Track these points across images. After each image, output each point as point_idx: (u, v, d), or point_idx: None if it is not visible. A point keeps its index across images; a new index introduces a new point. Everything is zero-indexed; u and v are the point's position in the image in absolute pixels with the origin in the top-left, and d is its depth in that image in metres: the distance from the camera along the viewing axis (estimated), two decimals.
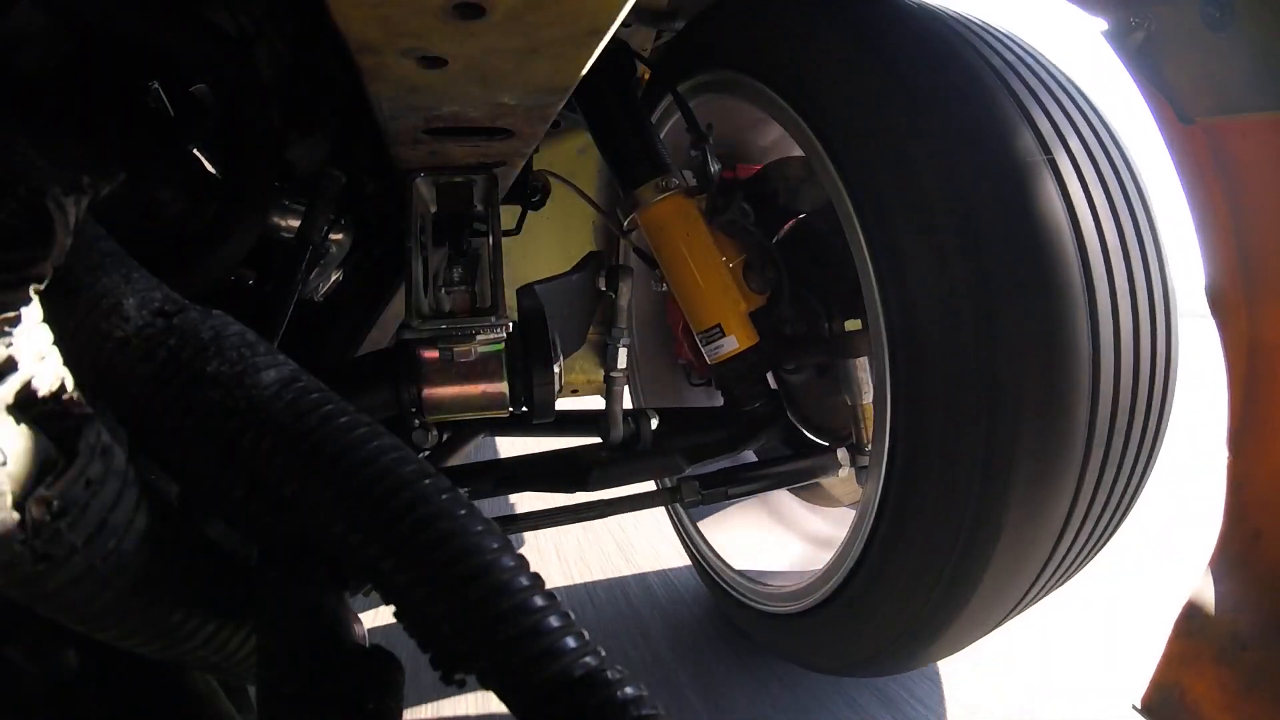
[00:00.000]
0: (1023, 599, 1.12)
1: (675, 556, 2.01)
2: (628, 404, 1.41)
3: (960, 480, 0.99)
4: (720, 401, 1.52)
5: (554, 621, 0.38)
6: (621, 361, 1.32)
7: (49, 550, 0.34)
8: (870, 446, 1.30)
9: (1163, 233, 1.05)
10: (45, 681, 0.48)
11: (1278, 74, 0.77)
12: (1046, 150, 0.98)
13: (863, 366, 1.32)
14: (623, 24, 1.59)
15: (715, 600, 1.75)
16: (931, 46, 1.06)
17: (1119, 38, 0.89)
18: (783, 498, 1.78)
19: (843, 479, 1.44)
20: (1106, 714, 1.41)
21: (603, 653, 0.39)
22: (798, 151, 1.27)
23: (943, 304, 0.97)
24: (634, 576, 1.99)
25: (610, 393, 1.31)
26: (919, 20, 1.09)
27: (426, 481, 0.41)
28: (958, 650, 1.23)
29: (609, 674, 0.38)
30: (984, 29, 1.13)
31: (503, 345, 1.03)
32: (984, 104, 0.99)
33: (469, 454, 1.45)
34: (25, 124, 0.73)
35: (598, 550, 2.13)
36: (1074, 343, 0.94)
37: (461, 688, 0.38)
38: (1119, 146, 1.06)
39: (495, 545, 0.40)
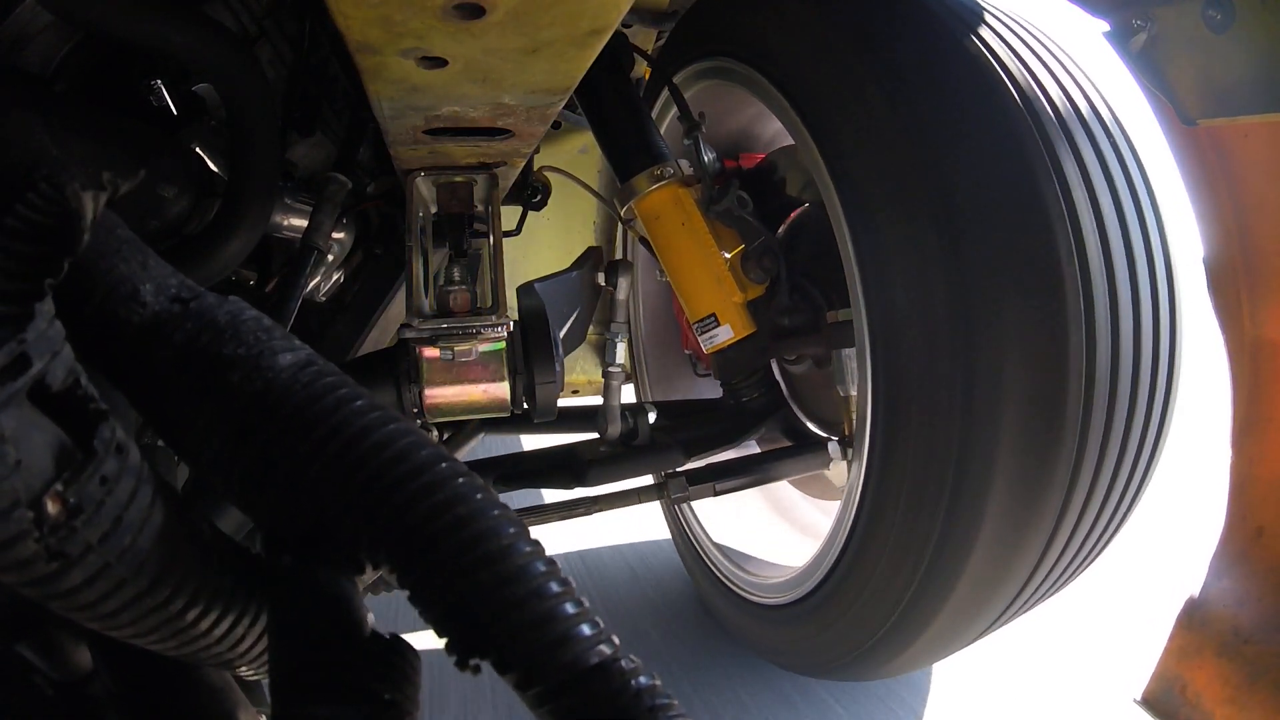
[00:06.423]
0: (1010, 604, 1.10)
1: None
2: (626, 398, 1.41)
3: (935, 473, 0.98)
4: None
5: (569, 608, 0.38)
6: (619, 356, 1.32)
7: (63, 548, 0.34)
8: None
9: (1169, 227, 1.03)
10: (59, 679, 0.48)
11: (1279, 76, 0.78)
12: (1047, 142, 0.95)
13: (854, 356, 1.30)
14: (623, 24, 1.60)
15: (697, 585, 1.74)
16: (924, 29, 1.04)
17: (1121, 40, 0.89)
18: (784, 489, 1.78)
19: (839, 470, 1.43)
20: (1108, 707, 1.41)
21: (616, 640, 0.39)
22: None
23: (919, 293, 0.97)
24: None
25: (608, 388, 1.31)
26: (915, 5, 1.07)
27: (443, 465, 0.41)
28: (939, 659, 1.22)
29: (623, 663, 0.38)
30: (987, 13, 1.09)
31: (504, 345, 1.03)
32: (977, 91, 0.98)
33: (470, 452, 1.45)
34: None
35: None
36: (1060, 338, 0.92)
37: (477, 674, 0.38)
38: (1125, 138, 1.04)
39: (512, 530, 0.40)
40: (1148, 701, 0.98)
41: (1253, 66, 0.79)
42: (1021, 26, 1.11)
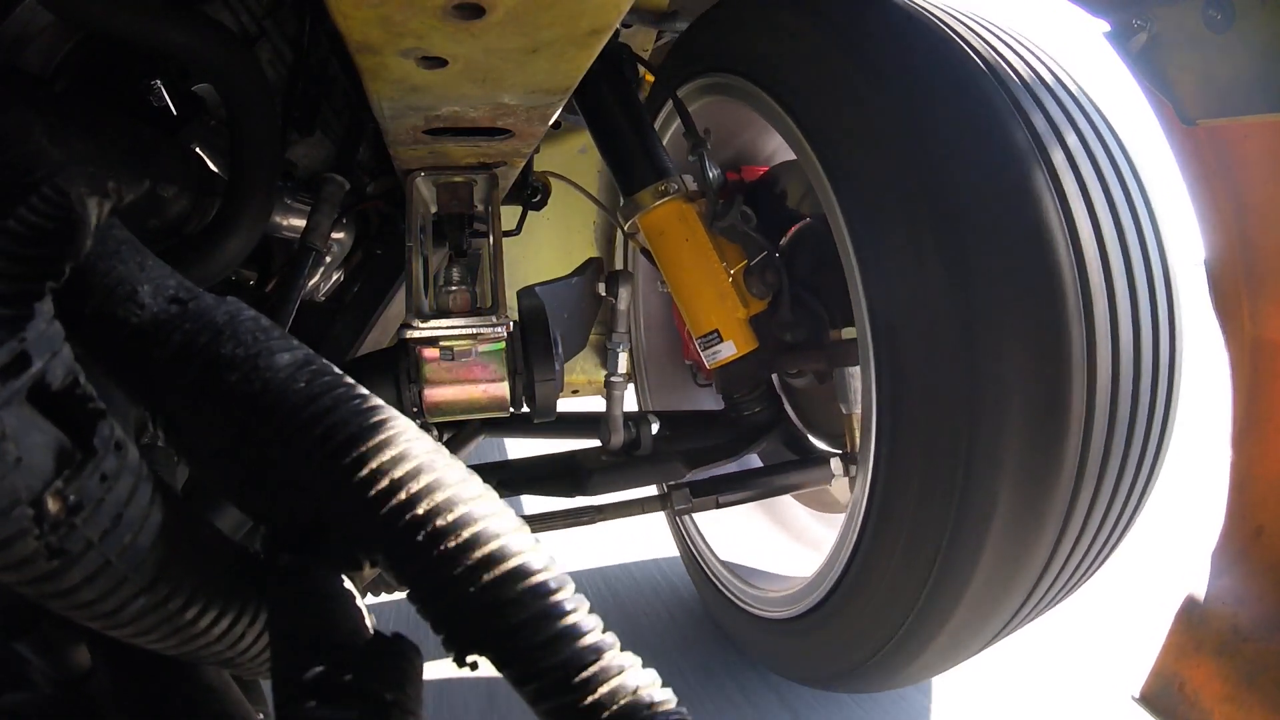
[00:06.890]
0: (1018, 612, 1.10)
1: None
2: (629, 408, 1.41)
3: (941, 487, 0.98)
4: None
5: (566, 605, 0.39)
6: (621, 366, 1.32)
7: (63, 546, 0.34)
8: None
9: (1166, 235, 1.03)
10: (58, 678, 0.48)
11: (1279, 76, 0.78)
12: (1041, 149, 0.96)
13: (857, 374, 1.30)
14: (623, 24, 1.60)
15: (703, 599, 1.74)
16: (923, 46, 1.04)
17: (1121, 40, 0.89)
18: (788, 503, 1.78)
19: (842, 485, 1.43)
20: (1106, 705, 1.41)
21: (615, 638, 0.39)
22: None
23: (924, 310, 0.97)
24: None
25: (610, 397, 1.31)
26: (910, 19, 1.08)
27: (441, 464, 0.41)
28: (947, 668, 1.22)
29: (621, 659, 0.38)
30: (981, 25, 1.11)
31: (504, 345, 1.03)
32: (975, 106, 0.98)
33: (469, 457, 1.45)
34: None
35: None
36: (1064, 352, 0.92)
37: (474, 669, 0.38)
38: (1119, 143, 1.05)
39: (510, 528, 0.40)
40: (1146, 699, 0.98)
41: (1253, 66, 0.79)
42: (1014, 36, 1.12)
